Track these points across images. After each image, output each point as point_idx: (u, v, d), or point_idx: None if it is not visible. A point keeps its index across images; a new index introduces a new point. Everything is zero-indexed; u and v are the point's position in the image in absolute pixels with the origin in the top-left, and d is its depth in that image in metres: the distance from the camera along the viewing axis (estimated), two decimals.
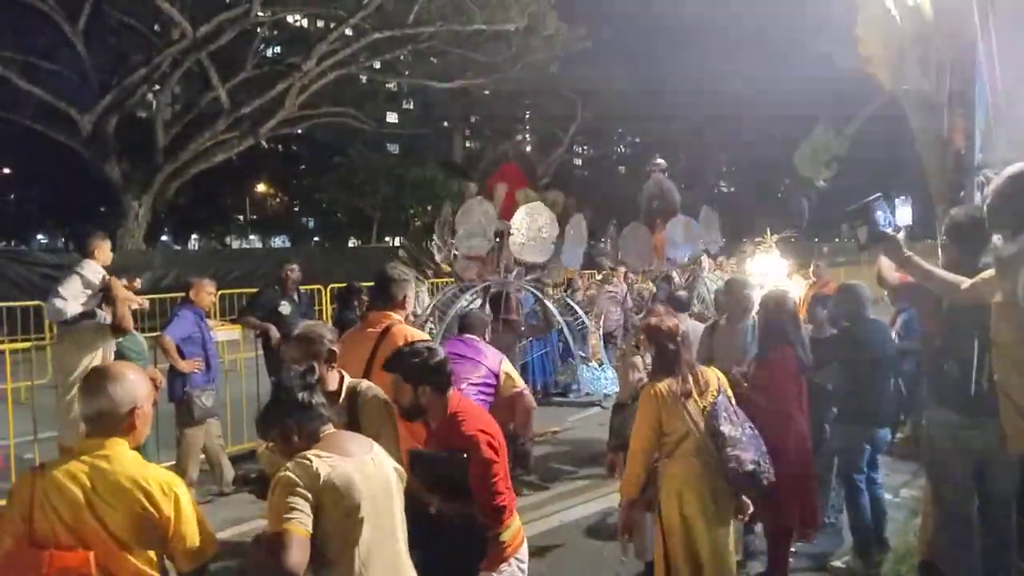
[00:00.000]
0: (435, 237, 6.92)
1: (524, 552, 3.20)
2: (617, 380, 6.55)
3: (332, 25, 22.29)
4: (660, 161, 8.75)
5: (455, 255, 6.59)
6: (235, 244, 52.15)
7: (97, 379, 2.45)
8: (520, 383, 4.75)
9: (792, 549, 4.79)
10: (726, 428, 3.68)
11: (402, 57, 26.42)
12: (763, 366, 4.80)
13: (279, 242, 53.00)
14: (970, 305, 3.54)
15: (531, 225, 6.08)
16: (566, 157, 36.37)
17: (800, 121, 23.37)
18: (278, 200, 51.59)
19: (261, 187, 47.99)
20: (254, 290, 9.01)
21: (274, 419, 2.59)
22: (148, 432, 2.56)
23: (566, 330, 5.91)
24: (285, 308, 7.75)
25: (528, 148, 35.73)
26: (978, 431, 3.59)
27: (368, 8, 20.57)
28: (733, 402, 3.88)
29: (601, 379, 6.51)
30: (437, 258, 6.81)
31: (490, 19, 21.79)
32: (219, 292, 11.89)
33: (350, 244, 45.43)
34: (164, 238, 47.98)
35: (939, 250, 4.24)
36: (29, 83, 19.57)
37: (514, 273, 6.53)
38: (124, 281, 5.60)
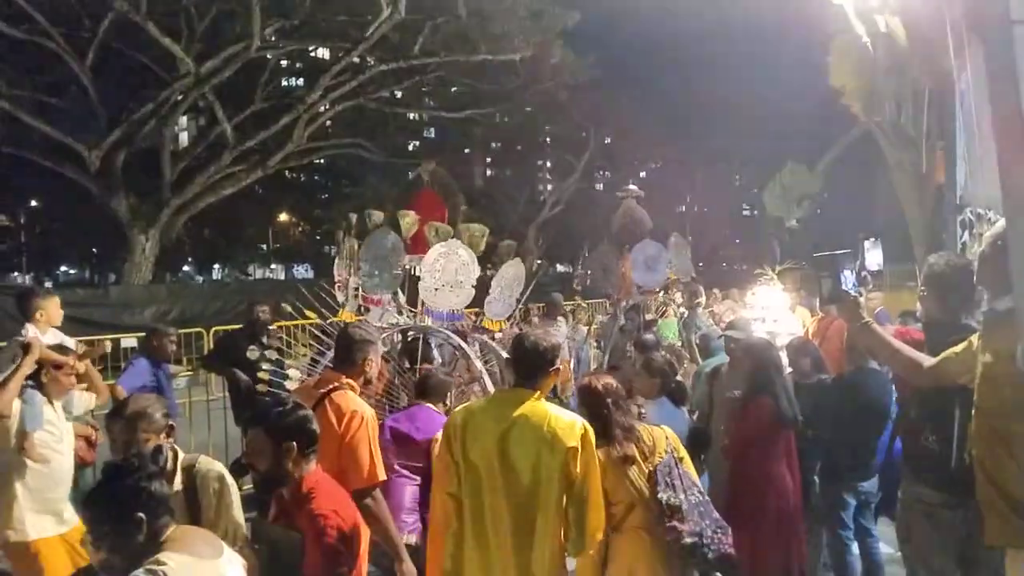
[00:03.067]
0: (336, 275, 5.98)
1: None
2: None
3: (339, 55, 22.33)
4: (632, 187, 8.33)
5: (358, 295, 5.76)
6: (258, 274, 52.50)
7: None
8: None
9: None
10: (664, 495, 3.30)
11: (414, 87, 26.39)
12: (737, 418, 4.52)
13: (302, 271, 53.30)
14: (936, 384, 3.12)
15: (446, 267, 5.29)
16: (581, 184, 36.11)
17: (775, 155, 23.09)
18: (300, 229, 51.91)
19: (283, 216, 48.35)
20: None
21: (114, 512, 2.12)
22: None
23: (486, 379, 5.27)
24: (253, 353, 7.35)
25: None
26: (961, 510, 3.16)
27: (371, 40, 20.54)
28: (683, 464, 3.49)
29: None
30: (339, 297, 5.84)
31: (495, 49, 21.66)
32: (226, 327, 11.66)
33: None
34: (186, 268, 48.50)
35: (917, 302, 3.88)
36: (38, 120, 19.70)
37: (430, 318, 5.73)
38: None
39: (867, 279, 3.59)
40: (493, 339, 5.50)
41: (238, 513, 2.97)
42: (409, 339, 5.81)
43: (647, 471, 3.36)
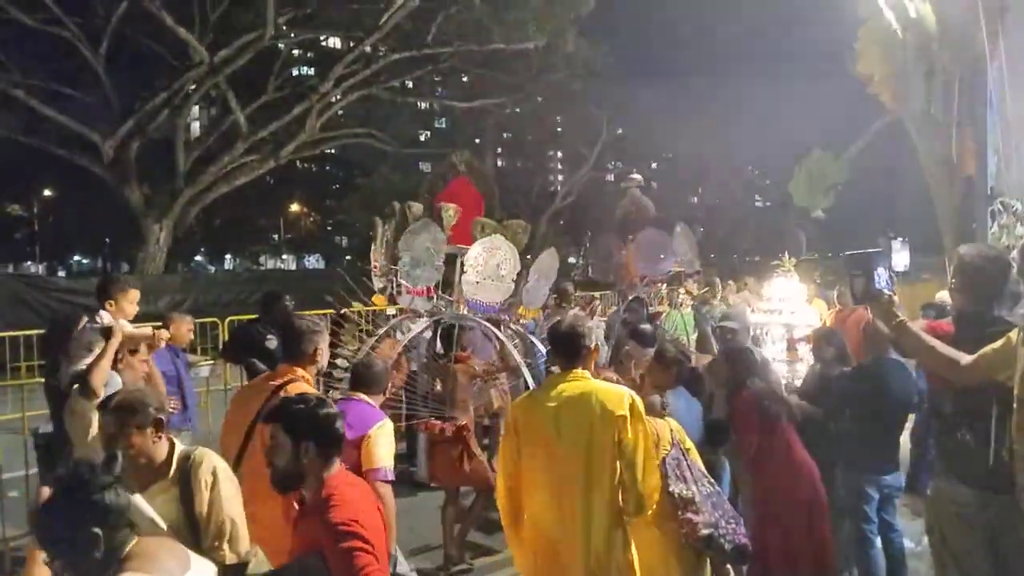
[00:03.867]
0: (373, 262, 6.00)
1: None
2: None
3: (351, 44, 22.29)
4: (636, 176, 8.27)
5: (398, 286, 5.73)
6: (269, 264, 52.63)
7: None
8: (378, 461, 3.61)
9: None
10: (676, 488, 3.30)
11: (427, 77, 26.32)
12: (735, 419, 4.43)
13: (312, 261, 53.42)
14: (975, 381, 3.02)
15: (488, 261, 5.36)
16: (594, 175, 35.88)
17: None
18: (311, 220, 52.00)
19: (295, 207, 48.45)
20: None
21: (69, 528, 1.98)
22: None
23: (526, 373, 5.25)
24: (272, 343, 7.32)
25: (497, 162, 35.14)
26: (996, 509, 3.07)
27: (384, 29, 20.44)
28: (689, 455, 3.47)
29: None
30: (376, 285, 5.89)
31: (508, 38, 21.53)
32: (240, 317, 11.65)
33: None
34: (198, 258, 48.67)
35: (935, 294, 3.76)
36: (52, 109, 19.72)
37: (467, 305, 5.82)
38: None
39: (893, 279, 3.46)
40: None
41: (232, 507, 2.83)
42: (443, 327, 5.83)
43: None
